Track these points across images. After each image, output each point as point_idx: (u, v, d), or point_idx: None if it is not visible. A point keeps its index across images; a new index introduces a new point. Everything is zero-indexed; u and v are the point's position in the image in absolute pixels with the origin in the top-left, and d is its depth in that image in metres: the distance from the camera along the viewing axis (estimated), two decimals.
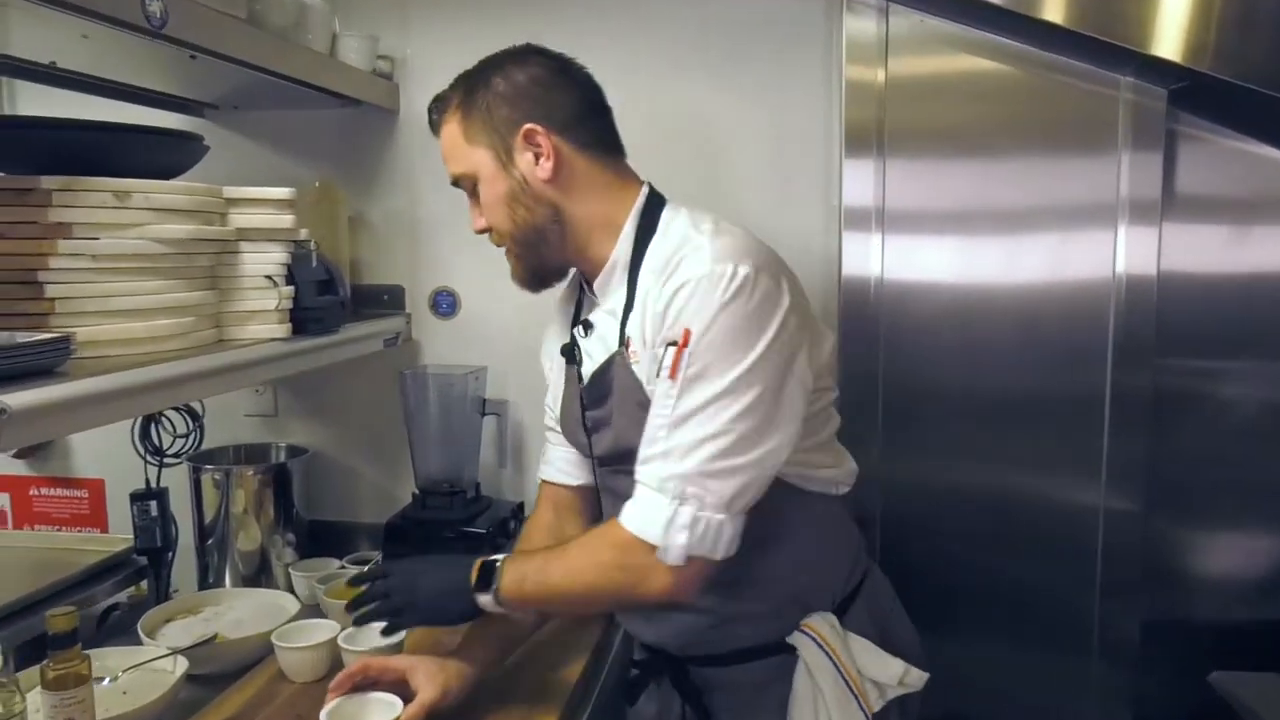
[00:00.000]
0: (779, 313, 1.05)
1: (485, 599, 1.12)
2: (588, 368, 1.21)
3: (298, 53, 1.45)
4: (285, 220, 1.28)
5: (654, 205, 1.18)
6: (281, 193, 1.28)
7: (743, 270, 1.03)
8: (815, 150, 1.66)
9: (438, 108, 1.20)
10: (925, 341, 1.64)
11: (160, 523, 1.67)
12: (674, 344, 1.04)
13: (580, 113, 1.16)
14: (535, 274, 1.22)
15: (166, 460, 1.73)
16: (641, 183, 1.21)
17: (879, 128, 1.59)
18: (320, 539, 1.82)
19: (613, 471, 1.21)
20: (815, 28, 1.63)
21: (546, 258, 1.20)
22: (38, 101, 1.76)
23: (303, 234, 1.32)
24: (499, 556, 1.15)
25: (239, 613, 1.54)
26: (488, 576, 1.13)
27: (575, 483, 1.33)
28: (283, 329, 1.30)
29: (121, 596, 1.76)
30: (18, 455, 1.91)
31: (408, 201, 1.79)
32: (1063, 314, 1.59)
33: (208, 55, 1.24)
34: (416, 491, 1.66)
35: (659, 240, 1.15)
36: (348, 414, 1.84)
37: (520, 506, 1.74)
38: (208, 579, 1.69)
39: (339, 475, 1.86)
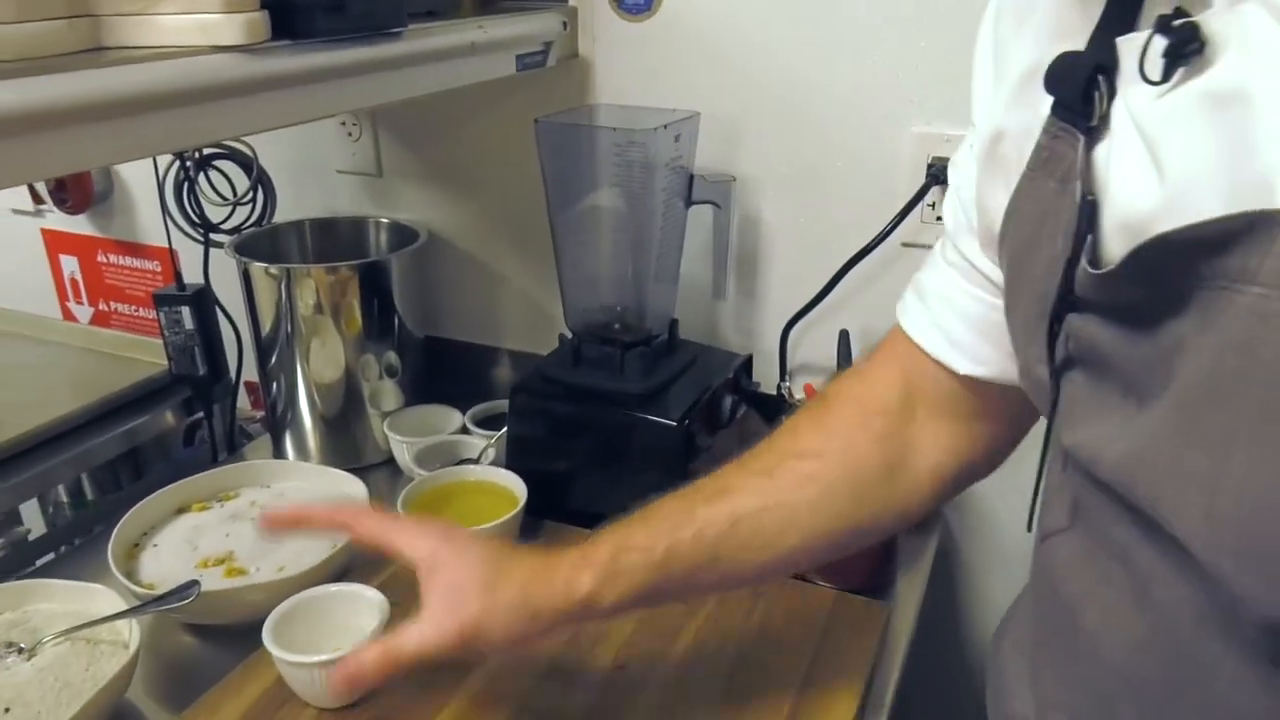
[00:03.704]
0: None
1: None
2: (1132, 168, 0.40)
3: None
4: None
5: None
6: None
7: None
8: None
9: None
10: None
11: (202, 340, 1.10)
12: None
13: None
14: None
15: (214, 239, 1.14)
16: None
17: None
18: (445, 369, 1.20)
19: (1108, 501, 0.43)
20: None
21: None
22: None
23: None
24: None
25: (293, 503, 0.97)
26: None
27: (972, 371, 0.58)
28: (233, 24, 0.59)
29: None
30: (72, 210, 1.40)
31: None
32: None
33: None
34: (567, 333, 0.96)
35: None
36: (487, 180, 1.14)
37: (748, 362, 1.01)
38: (274, 426, 1.13)
39: (474, 276, 1.19)
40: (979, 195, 0.53)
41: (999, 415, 0.60)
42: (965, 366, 0.58)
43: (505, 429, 0.98)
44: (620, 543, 0.61)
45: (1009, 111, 0.49)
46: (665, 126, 0.86)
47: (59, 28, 0.54)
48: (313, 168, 1.20)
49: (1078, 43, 0.44)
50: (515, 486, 0.92)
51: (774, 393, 0.96)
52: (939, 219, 0.93)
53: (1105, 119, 0.42)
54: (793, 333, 1.00)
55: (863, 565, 0.88)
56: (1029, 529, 0.53)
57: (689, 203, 0.92)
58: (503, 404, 1.09)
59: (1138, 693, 0.44)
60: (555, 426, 0.93)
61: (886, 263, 0.96)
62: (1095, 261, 0.41)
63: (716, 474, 0.64)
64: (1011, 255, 0.50)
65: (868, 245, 0.91)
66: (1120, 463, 0.41)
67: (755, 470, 0.63)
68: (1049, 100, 0.45)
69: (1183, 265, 0.37)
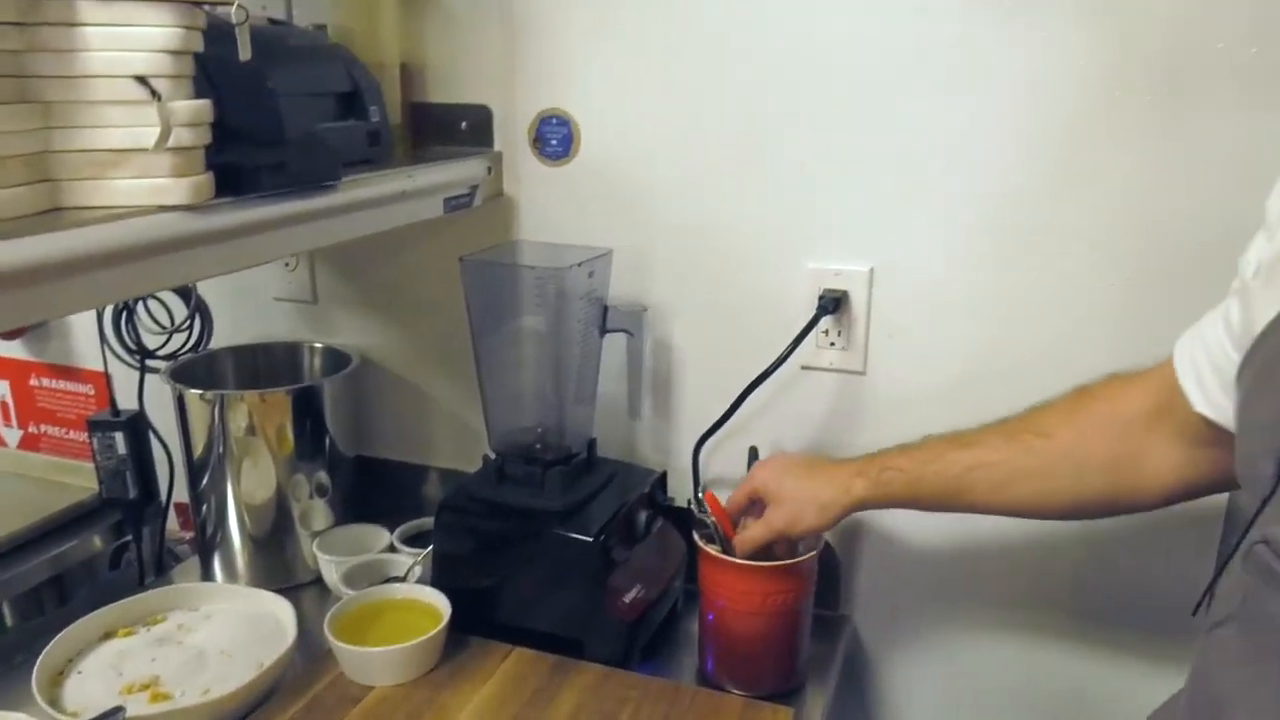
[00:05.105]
0: None
1: None
2: None
3: None
4: None
5: None
6: None
7: None
8: None
9: None
10: None
11: (134, 464, 1.13)
12: None
13: None
14: None
15: (150, 364, 1.18)
16: None
17: None
18: (376, 487, 1.24)
19: None
20: None
21: None
22: None
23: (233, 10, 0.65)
24: None
25: (222, 629, 0.98)
26: None
27: (1204, 410, 0.67)
28: (181, 187, 0.65)
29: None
30: (7, 336, 1.43)
31: None
32: None
33: None
34: (490, 454, 1.02)
35: None
36: (418, 308, 1.21)
37: (663, 478, 1.07)
38: (203, 547, 1.15)
39: (405, 397, 1.25)
40: (1246, 301, 0.60)
41: (1227, 451, 0.63)
42: (1200, 404, 0.66)
43: (431, 546, 1.02)
44: (885, 463, 0.83)
45: None
46: (580, 264, 0.94)
47: (21, 193, 0.60)
48: (250, 295, 1.26)
49: None
50: (440, 603, 0.95)
51: (687, 506, 1.02)
52: (832, 344, 1.03)
53: None
54: (704, 449, 1.06)
55: (770, 671, 0.93)
56: (1194, 614, 0.59)
57: (604, 331, 1.00)
58: (431, 521, 1.13)
59: None
60: (479, 543, 0.97)
61: (787, 384, 1.04)
62: None
63: (977, 429, 0.81)
64: (1266, 361, 0.55)
65: (767, 369, 0.99)
66: None
67: (1000, 432, 0.79)
68: None
69: None
